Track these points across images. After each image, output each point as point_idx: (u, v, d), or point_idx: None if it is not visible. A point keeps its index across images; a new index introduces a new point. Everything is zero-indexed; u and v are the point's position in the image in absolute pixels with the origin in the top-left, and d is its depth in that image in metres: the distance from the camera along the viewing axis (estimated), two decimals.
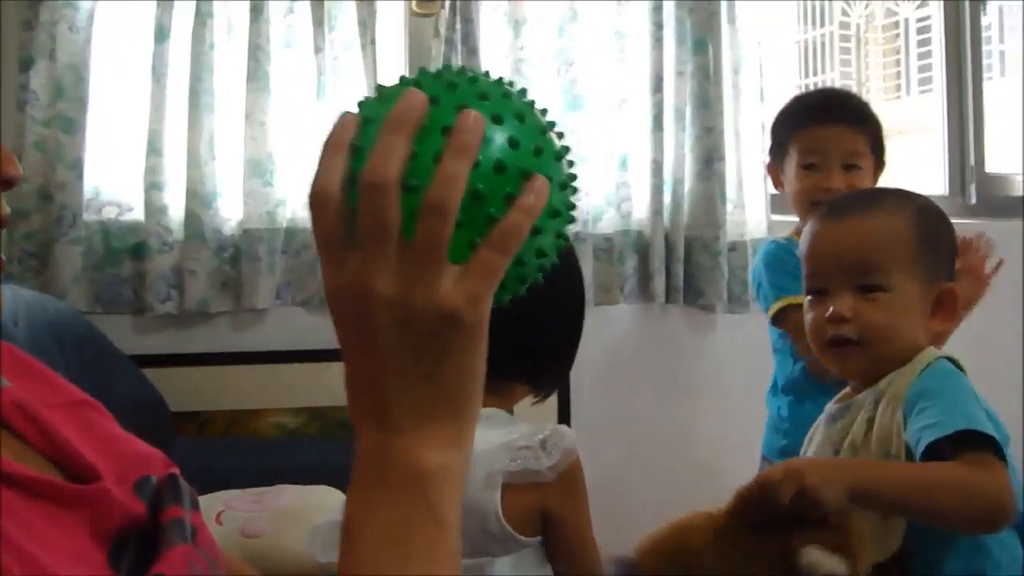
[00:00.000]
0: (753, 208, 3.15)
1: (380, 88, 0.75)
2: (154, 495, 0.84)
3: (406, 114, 0.70)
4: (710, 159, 3.08)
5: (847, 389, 1.61)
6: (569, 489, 1.49)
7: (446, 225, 0.68)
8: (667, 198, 3.06)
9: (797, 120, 2.47)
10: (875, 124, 2.48)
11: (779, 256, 2.46)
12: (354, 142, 0.71)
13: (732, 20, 3.17)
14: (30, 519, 0.72)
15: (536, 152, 0.73)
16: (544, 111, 0.78)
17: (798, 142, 2.43)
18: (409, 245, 0.68)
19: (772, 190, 2.98)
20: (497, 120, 0.72)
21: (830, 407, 1.60)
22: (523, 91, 0.77)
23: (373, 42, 2.84)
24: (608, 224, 3.03)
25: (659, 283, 3.01)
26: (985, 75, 3.76)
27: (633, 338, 3.09)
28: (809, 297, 1.58)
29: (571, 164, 0.80)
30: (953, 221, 3.45)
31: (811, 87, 5.00)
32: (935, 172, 3.66)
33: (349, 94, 2.81)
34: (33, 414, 0.83)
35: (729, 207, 3.12)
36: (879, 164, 2.48)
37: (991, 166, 3.69)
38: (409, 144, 0.69)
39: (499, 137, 0.72)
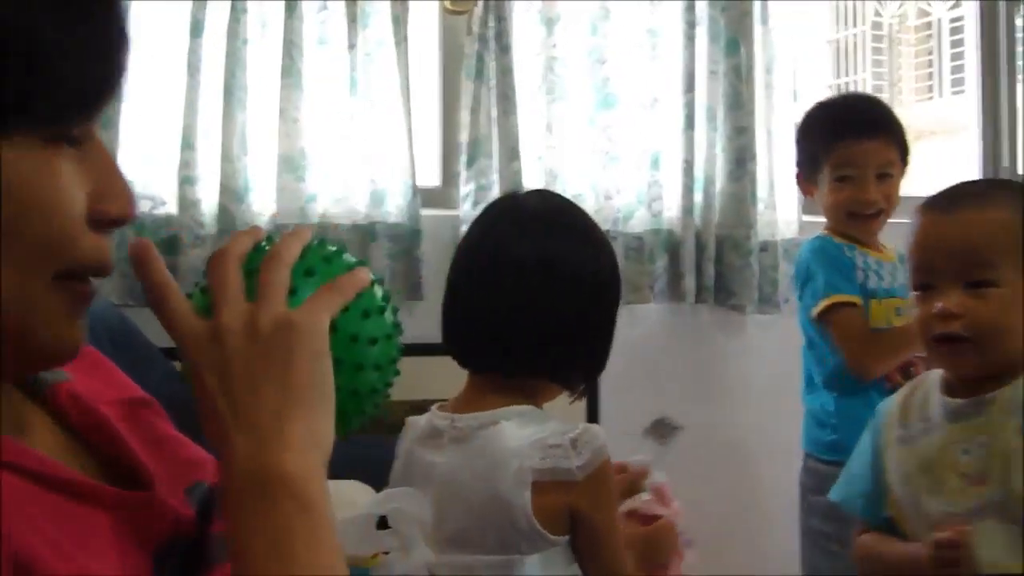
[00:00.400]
0: (784, 208, 3.15)
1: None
2: (204, 501, 0.84)
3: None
4: (742, 159, 3.07)
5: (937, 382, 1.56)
6: (598, 489, 1.48)
7: (284, 269, 0.81)
8: (698, 197, 3.06)
9: (829, 134, 2.51)
10: (901, 131, 2.54)
11: (832, 253, 2.49)
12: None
13: (765, 20, 3.16)
14: (73, 520, 0.72)
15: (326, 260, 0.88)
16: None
17: (831, 156, 2.47)
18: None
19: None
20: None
21: (946, 402, 1.54)
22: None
23: (406, 39, 2.85)
24: (639, 223, 3.03)
25: (690, 283, 3.01)
26: (1019, 75, 3.74)
27: (663, 337, 3.09)
28: (915, 293, 1.55)
29: (396, 318, 0.91)
30: None
31: (844, 87, 4.98)
32: (968, 173, 3.64)
33: (382, 91, 2.81)
34: (90, 410, 0.83)
35: (760, 207, 3.11)
36: (904, 166, 2.52)
37: None
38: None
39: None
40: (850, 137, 2.47)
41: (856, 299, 2.43)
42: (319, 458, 0.79)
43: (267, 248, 0.84)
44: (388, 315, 0.88)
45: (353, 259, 0.88)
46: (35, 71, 0.68)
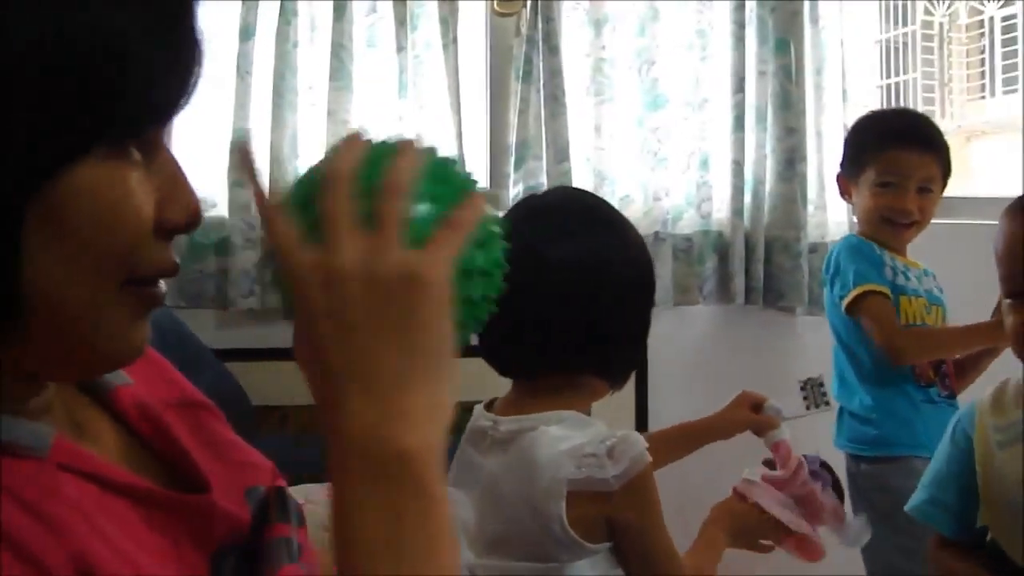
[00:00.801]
0: (834, 210, 3.13)
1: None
2: (260, 507, 0.84)
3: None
4: (791, 160, 3.06)
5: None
6: (636, 498, 1.46)
7: (401, 201, 0.73)
8: (747, 199, 3.05)
9: (878, 140, 2.57)
10: (947, 150, 2.59)
11: (863, 249, 2.54)
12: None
13: (814, 20, 3.14)
14: (131, 522, 0.73)
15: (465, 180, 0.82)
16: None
17: (878, 162, 2.53)
18: (370, 228, 0.72)
19: None
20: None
21: None
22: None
23: (455, 41, 2.85)
24: (688, 224, 3.02)
25: (739, 284, 3.00)
26: None
27: (712, 339, 3.08)
28: (1008, 300, 1.50)
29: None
30: (981, 223, 3.43)
31: (894, 87, 4.94)
32: (1019, 173, 3.60)
33: (431, 93, 2.82)
34: (151, 414, 0.84)
35: (810, 208, 3.10)
36: (943, 187, 2.57)
37: None
38: (362, 147, 0.77)
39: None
40: (900, 146, 2.53)
41: (885, 289, 2.46)
42: (439, 434, 0.74)
43: (377, 161, 0.76)
44: (498, 244, 0.82)
45: (463, 174, 0.82)
46: (123, 84, 0.68)
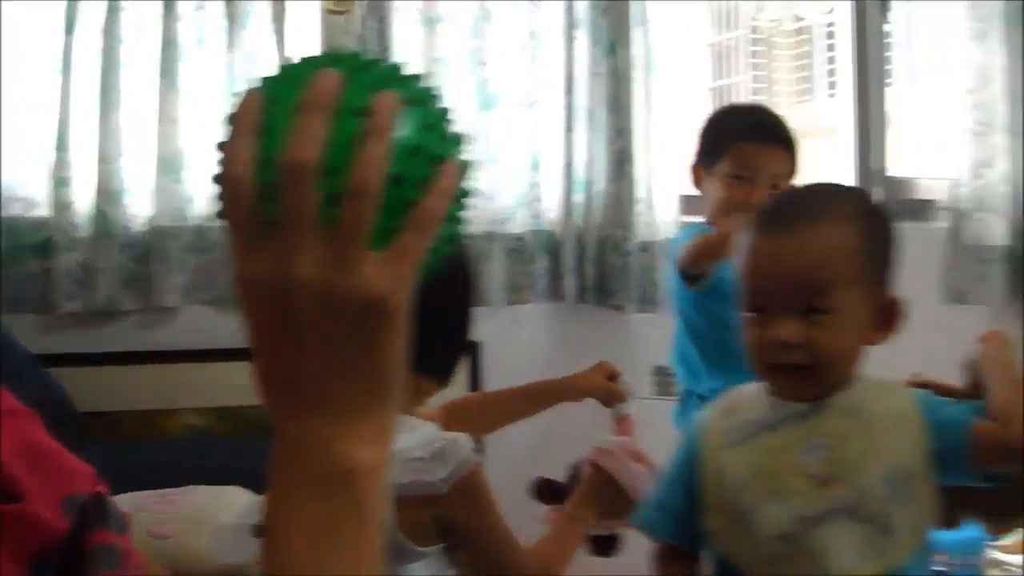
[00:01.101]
0: (663, 209, 3.19)
1: (284, 67, 0.73)
2: (80, 514, 0.82)
3: (321, 94, 0.67)
4: (621, 160, 3.11)
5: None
6: (467, 498, 1.47)
7: (369, 208, 0.67)
8: (578, 198, 3.09)
9: (735, 133, 2.56)
10: (797, 150, 2.61)
11: (703, 229, 2.56)
12: (264, 123, 0.69)
13: (644, 22, 3.19)
14: None
15: (445, 135, 0.73)
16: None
17: (734, 153, 2.52)
18: (330, 230, 0.67)
19: (682, 191, 3.03)
20: (412, 103, 0.71)
21: (776, 403, 1.47)
22: (418, 76, 0.75)
23: (285, 39, 2.83)
24: (519, 224, 3.05)
25: (570, 283, 3.04)
26: (889, 79, 3.84)
27: (544, 337, 3.11)
28: (749, 314, 1.46)
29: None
30: None
31: (724, 90, 5.06)
32: (841, 175, 3.73)
33: None
34: None
35: (640, 208, 3.15)
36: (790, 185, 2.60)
37: (895, 170, 3.77)
38: (326, 126, 0.67)
39: (413, 120, 0.71)
40: (756, 141, 2.54)
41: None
42: (385, 456, 0.72)
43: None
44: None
45: (436, 130, 0.72)
46: None
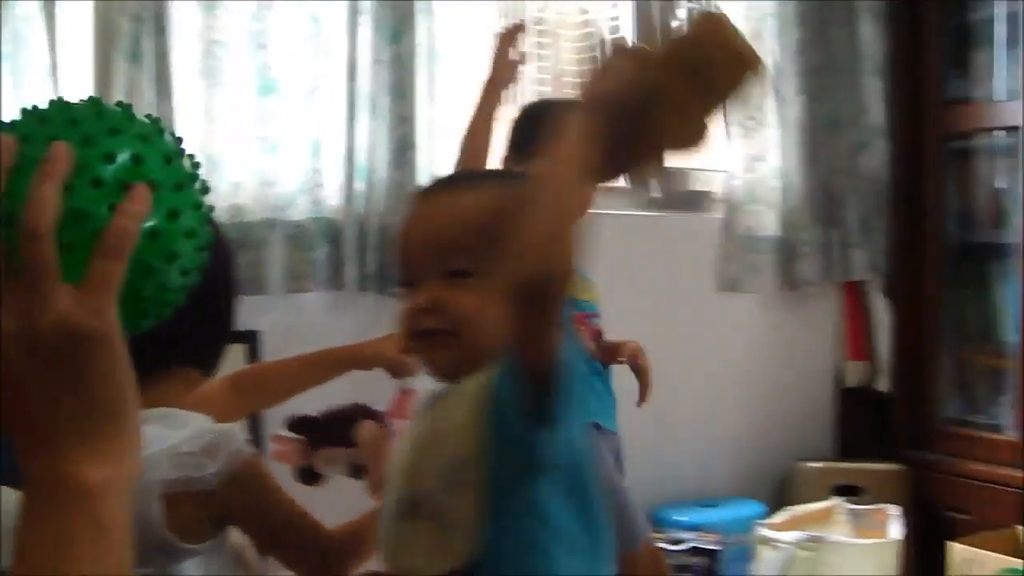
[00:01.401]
0: None
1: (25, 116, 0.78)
2: None
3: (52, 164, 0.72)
4: (404, 148, 3.10)
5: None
6: (243, 490, 1.43)
7: (45, 246, 0.69)
8: (360, 186, 3.06)
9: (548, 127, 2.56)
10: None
11: None
12: None
13: (429, 11, 3.19)
14: None
15: (134, 160, 0.76)
16: (152, 116, 0.81)
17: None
18: (20, 277, 0.70)
19: None
20: (89, 141, 0.75)
21: (436, 388, 1.43)
22: (125, 105, 0.80)
23: (55, 17, 2.71)
24: (300, 211, 2.99)
25: (351, 270, 3.01)
26: None
27: (325, 326, 3.07)
28: (400, 289, 1.42)
29: (195, 165, 0.83)
30: (635, 214, 3.63)
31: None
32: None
33: (30, 72, 2.67)
34: None
35: None
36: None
37: (670, 162, 3.87)
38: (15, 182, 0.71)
39: (93, 155, 0.74)
40: None
41: None
42: (123, 471, 0.75)
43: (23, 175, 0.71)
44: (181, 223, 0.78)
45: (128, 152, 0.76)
46: None
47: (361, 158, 3.06)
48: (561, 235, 1.19)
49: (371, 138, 3.08)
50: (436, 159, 3.18)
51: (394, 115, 3.10)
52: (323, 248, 3.01)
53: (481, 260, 1.33)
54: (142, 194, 0.74)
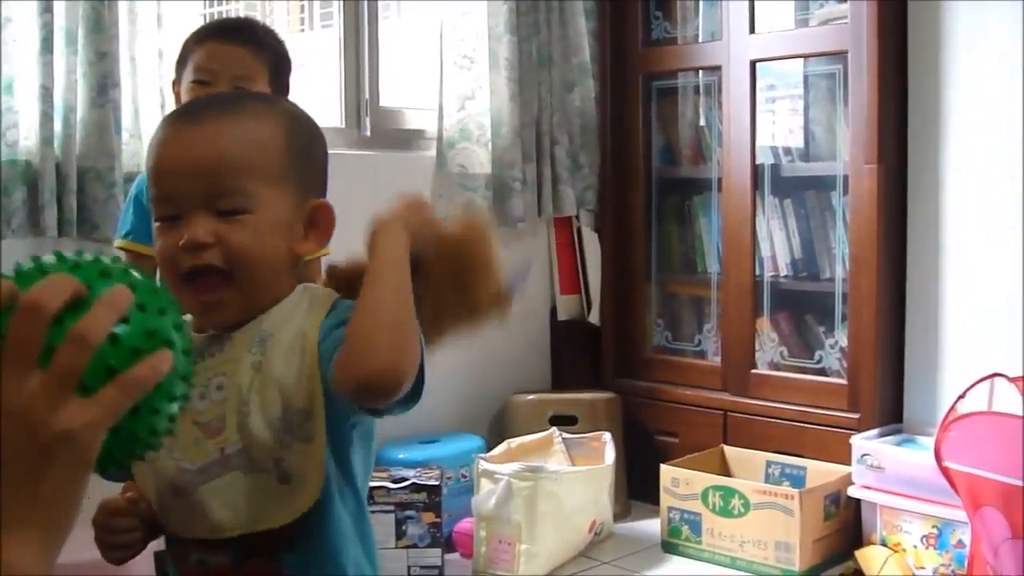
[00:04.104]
0: (150, 137, 3.06)
1: (19, 271, 0.85)
2: None
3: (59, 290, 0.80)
4: (104, 86, 2.94)
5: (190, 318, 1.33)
6: None
7: (84, 356, 0.77)
8: (58, 126, 2.89)
9: (196, 37, 2.46)
10: (276, 53, 2.50)
11: (134, 196, 2.48)
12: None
13: None
14: None
15: (148, 335, 0.84)
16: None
17: (193, 59, 2.42)
18: (45, 370, 0.77)
19: None
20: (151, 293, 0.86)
21: (201, 339, 1.31)
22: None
23: None
24: None
25: (50, 215, 2.84)
26: (382, 15, 3.91)
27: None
28: (158, 223, 1.29)
29: (192, 361, 0.93)
30: (348, 152, 3.59)
31: (216, 16, 4.95)
32: (332, 105, 3.77)
33: None
34: None
35: (125, 136, 3.01)
36: (278, 92, 2.50)
37: (385, 100, 3.86)
38: (70, 287, 0.80)
39: (152, 306, 0.86)
40: (211, 40, 2.42)
41: (143, 249, 2.42)
42: (45, 559, 0.79)
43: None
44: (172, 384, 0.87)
45: (165, 323, 0.86)
46: None
47: (58, 97, 2.89)
48: (409, 341, 1.22)
49: (68, 75, 2.91)
50: (139, 97, 3.05)
51: (93, 50, 2.94)
52: (19, 192, 2.83)
53: (257, 196, 1.27)
54: (166, 359, 0.83)
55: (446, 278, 1.33)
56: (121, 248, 2.48)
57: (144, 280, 0.87)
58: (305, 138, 1.38)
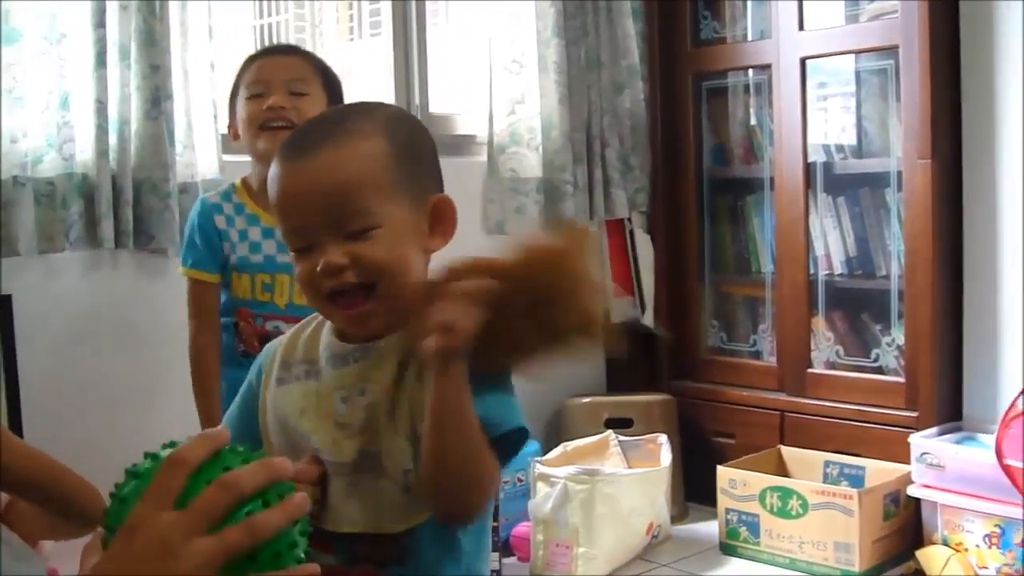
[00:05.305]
0: (203, 148, 3.10)
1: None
2: None
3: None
4: (157, 98, 2.97)
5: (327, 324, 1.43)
6: None
7: (227, 496, 0.91)
8: (112, 139, 2.92)
9: (247, 61, 2.55)
10: (325, 65, 2.58)
11: (198, 224, 2.55)
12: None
13: None
14: None
15: (291, 546, 0.97)
16: None
17: (246, 78, 2.50)
18: (184, 508, 0.91)
19: (223, 130, 2.97)
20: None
21: (332, 344, 1.41)
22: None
23: None
24: (50, 167, 2.83)
25: (107, 228, 2.86)
26: (430, 21, 3.93)
27: (82, 286, 2.95)
28: (293, 253, 1.37)
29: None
30: None
31: (266, 28, 5.00)
32: None
33: None
34: None
35: (179, 148, 3.04)
36: (332, 100, 2.54)
37: (434, 106, 3.88)
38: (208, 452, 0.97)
39: (299, 528, 0.98)
40: (261, 58, 2.53)
41: (210, 278, 2.54)
42: None
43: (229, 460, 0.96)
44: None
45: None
46: None
47: (112, 110, 2.93)
48: (475, 475, 1.26)
49: (121, 88, 2.94)
50: (192, 109, 3.08)
51: (145, 63, 2.97)
52: (76, 205, 2.87)
53: (380, 211, 1.32)
54: (302, 506, 0.97)
55: (521, 310, 1.27)
56: (186, 275, 2.54)
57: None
58: (410, 140, 1.42)
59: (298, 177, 1.34)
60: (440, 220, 1.41)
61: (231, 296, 2.54)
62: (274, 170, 1.38)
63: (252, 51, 2.67)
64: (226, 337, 2.54)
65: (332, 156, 1.34)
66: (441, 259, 1.34)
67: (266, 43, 4.70)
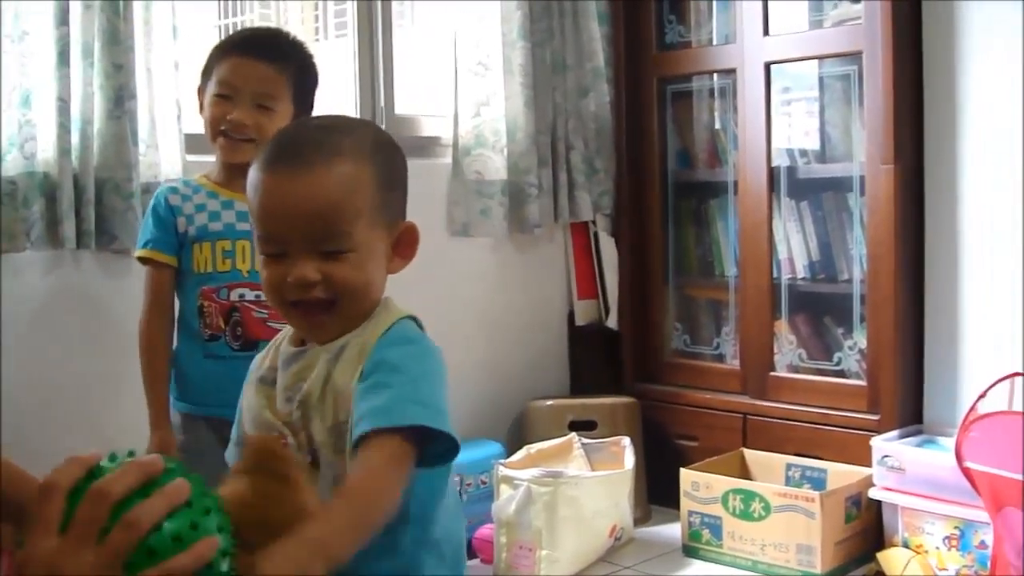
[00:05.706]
0: (167, 148, 3.08)
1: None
2: None
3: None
4: (120, 98, 2.95)
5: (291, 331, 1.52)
6: None
7: (133, 539, 0.92)
8: (75, 138, 2.89)
9: (224, 49, 2.48)
10: (301, 68, 2.51)
11: (152, 206, 2.54)
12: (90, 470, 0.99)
13: None
14: None
15: (192, 527, 0.98)
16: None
17: (217, 71, 2.45)
18: (98, 548, 0.92)
19: (187, 130, 2.94)
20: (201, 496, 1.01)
21: (286, 348, 1.50)
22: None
23: None
24: (11, 166, 2.80)
25: (69, 227, 2.84)
26: (396, 23, 3.92)
27: (44, 286, 2.93)
28: (263, 256, 1.44)
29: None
30: None
31: (231, 28, 4.97)
32: (347, 113, 3.77)
33: None
34: None
35: (142, 148, 3.02)
36: (302, 109, 2.50)
37: (400, 108, 3.87)
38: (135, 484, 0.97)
39: (198, 508, 0.99)
40: (237, 55, 2.44)
41: (164, 258, 2.50)
42: None
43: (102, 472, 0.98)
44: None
45: (210, 520, 0.99)
46: None
47: (75, 109, 2.90)
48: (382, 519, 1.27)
49: (84, 87, 2.92)
50: (155, 109, 3.06)
51: (109, 62, 2.94)
52: (37, 205, 2.84)
53: (358, 235, 1.40)
54: (212, 547, 0.97)
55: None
56: (142, 257, 2.51)
57: (196, 479, 1.01)
58: (391, 166, 1.51)
59: (285, 190, 1.40)
60: (406, 245, 1.50)
61: (193, 275, 2.47)
62: (258, 176, 1.43)
63: (240, 32, 2.64)
64: (196, 325, 2.48)
65: (322, 176, 1.40)
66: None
67: None
